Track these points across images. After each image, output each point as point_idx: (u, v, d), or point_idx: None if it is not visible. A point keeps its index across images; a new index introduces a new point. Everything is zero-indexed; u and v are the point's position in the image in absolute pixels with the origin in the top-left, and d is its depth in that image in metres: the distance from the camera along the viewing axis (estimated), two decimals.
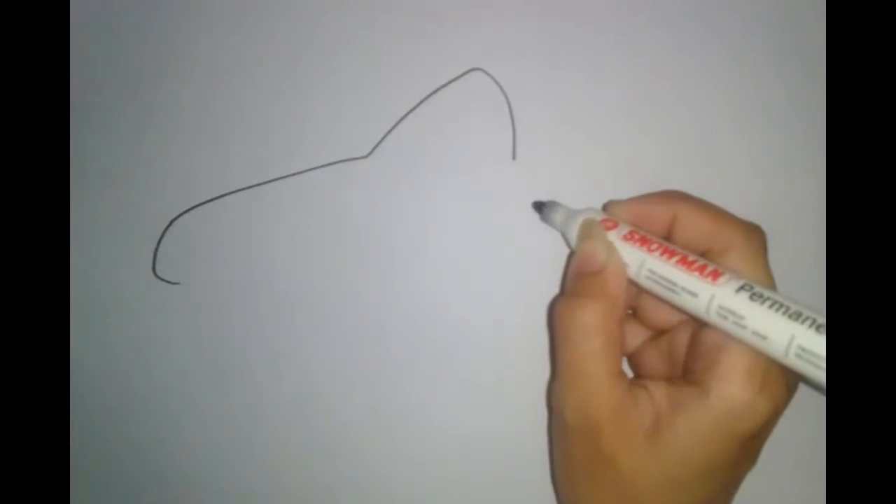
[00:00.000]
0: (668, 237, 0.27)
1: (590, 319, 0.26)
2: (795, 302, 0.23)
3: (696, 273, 0.25)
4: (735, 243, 0.26)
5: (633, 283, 0.27)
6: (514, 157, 0.33)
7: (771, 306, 0.23)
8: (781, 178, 0.33)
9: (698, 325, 0.26)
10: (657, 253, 0.26)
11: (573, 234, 0.29)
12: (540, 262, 0.33)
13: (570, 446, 0.27)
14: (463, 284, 0.33)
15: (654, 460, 0.25)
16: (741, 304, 0.23)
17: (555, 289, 0.33)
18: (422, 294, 0.33)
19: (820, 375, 0.22)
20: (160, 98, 0.35)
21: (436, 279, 0.33)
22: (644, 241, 0.26)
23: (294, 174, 0.34)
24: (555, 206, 0.30)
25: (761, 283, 0.24)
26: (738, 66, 0.33)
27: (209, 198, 0.34)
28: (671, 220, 0.27)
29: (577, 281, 0.27)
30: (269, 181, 0.34)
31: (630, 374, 0.31)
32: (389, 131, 0.34)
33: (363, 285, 0.33)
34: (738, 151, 0.33)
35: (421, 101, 0.34)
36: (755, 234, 0.26)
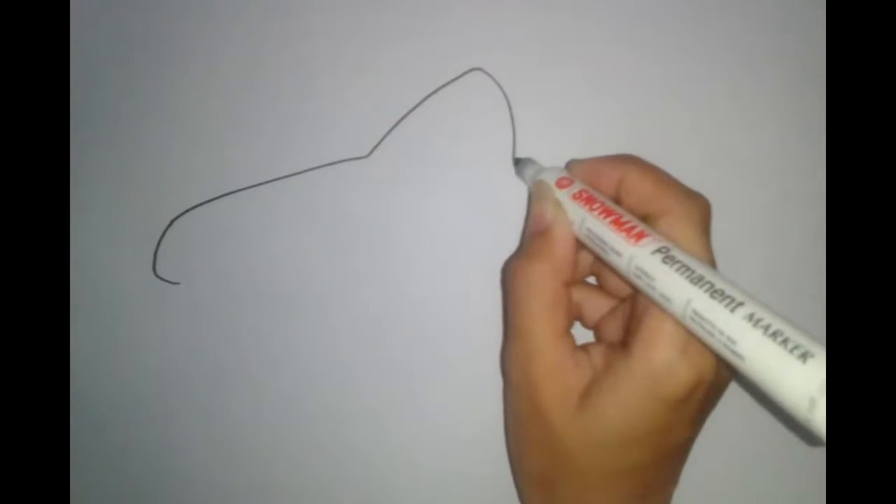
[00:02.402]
0: (617, 199, 0.27)
1: (534, 278, 0.26)
2: (709, 270, 0.23)
3: (623, 233, 0.25)
4: (671, 209, 0.26)
5: (580, 244, 0.27)
6: (514, 157, 0.33)
7: (678, 269, 0.23)
8: (781, 178, 0.33)
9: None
10: (597, 212, 0.26)
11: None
12: None
13: (513, 404, 0.28)
14: (463, 284, 0.33)
15: (583, 420, 0.25)
16: (653, 265, 0.24)
17: None
18: (422, 293, 0.33)
19: (711, 343, 0.22)
20: (160, 98, 0.35)
21: (436, 279, 0.33)
22: (589, 200, 0.27)
23: (294, 174, 0.34)
24: (527, 163, 0.31)
25: (692, 252, 0.24)
26: (739, 66, 0.33)
27: (209, 198, 0.34)
28: (619, 182, 0.27)
29: (527, 241, 0.28)
30: (269, 181, 0.34)
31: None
32: (389, 131, 0.34)
33: (363, 285, 0.33)
34: (739, 151, 0.33)
35: (421, 101, 0.34)
36: (694, 203, 0.26)
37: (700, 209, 0.26)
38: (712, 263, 0.25)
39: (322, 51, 0.34)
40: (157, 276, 0.34)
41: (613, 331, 0.29)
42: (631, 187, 0.27)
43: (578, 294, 0.30)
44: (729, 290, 0.22)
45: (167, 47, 0.35)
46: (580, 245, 0.27)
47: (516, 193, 0.33)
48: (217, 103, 0.35)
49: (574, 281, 0.28)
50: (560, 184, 0.28)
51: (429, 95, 0.34)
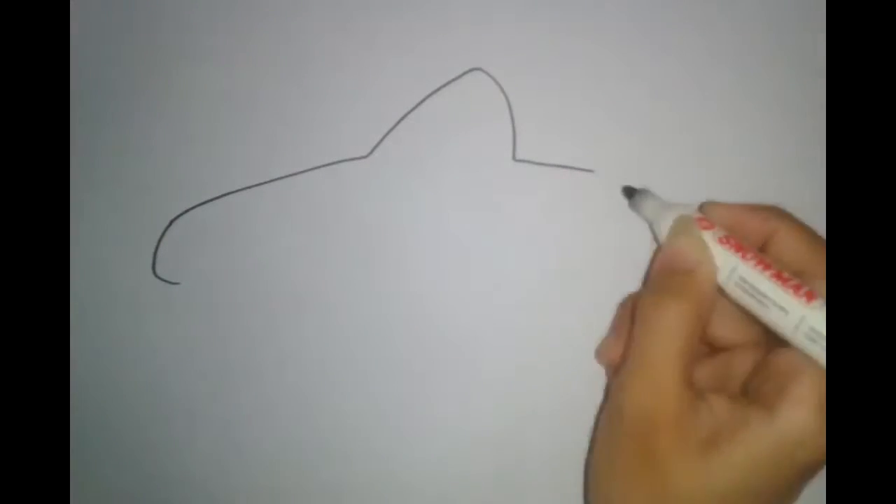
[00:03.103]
0: (763, 251, 0.27)
1: (674, 319, 0.25)
2: None
3: (791, 290, 0.24)
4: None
5: (720, 290, 0.26)
6: (514, 157, 0.33)
7: None
8: (781, 178, 0.33)
9: (769, 346, 0.26)
10: (752, 262, 0.25)
11: (663, 227, 0.28)
12: (540, 263, 0.33)
13: (620, 440, 0.26)
14: (463, 284, 0.33)
15: (705, 472, 0.24)
16: None
17: (554, 288, 0.33)
18: (422, 294, 0.33)
19: None
20: (160, 98, 0.35)
21: (436, 279, 0.33)
22: (740, 248, 0.26)
23: (294, 174, 0.34)
24: (647, 195, 0.30)
25: None
26: (739, 66, 0.33)
27: (209, 198, 0.34)
28: (768, 236, 0.27)
29: (665, 277, 0.27)
30: (269, 181, 0.34)
31: None
32: (389, 131, 0.34)
33: (363, 285, 0.33)
34: (739, 151, 0.33)
35: (421, 101, 0.34)
36: None
37: None
38: None
39: (322, 51, 0.34)
40: (156, 276, 0.34)
41: (709, 380, 0.28)
42: (784, 243, 0.26)
43: None
44: None
45: (167, 47, 0.35)
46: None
47: (516, 194, 0.33)
48: (217, 103, 0.35)
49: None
50: (702, 224, 0.27)
51: (429, 95, 0.34)
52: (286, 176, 0.34)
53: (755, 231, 0.27)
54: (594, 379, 0.32)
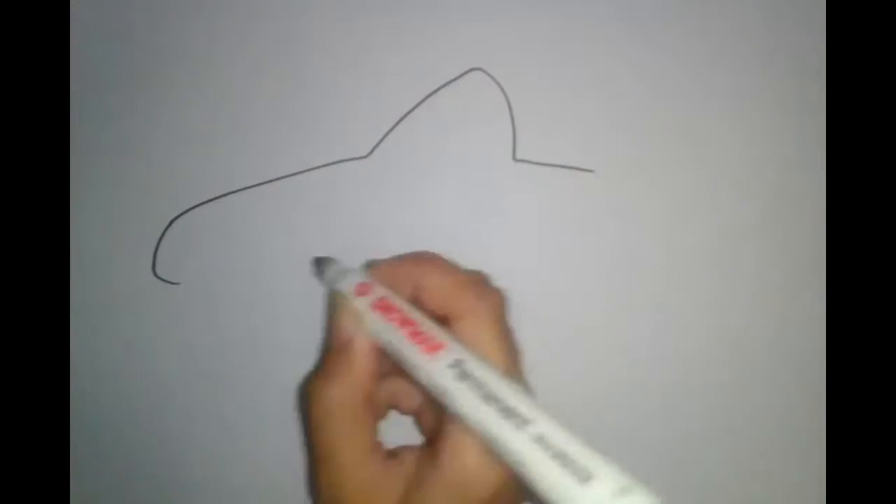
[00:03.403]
0: (417, 302, 0.27)
1: (334, 400, 0.26)
2: (502, 383, 0.23)
3: (419, 346, 0.25)
4: (471, 310, 0.26)
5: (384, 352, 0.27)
6: (514, 157, 0.33)
7: (471, 387, 0.23)
8: (781, 178, 0.33)
9: None
10: (394, 323, 0.26)
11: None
12: (539, 263, 0.33)
13: None
14: None
15: None
16: (448, 381, 0.23)
17: (554, 288, 0.33)
18: None
19: (507, 462, 0.22)
20: (160, 98, 0.35)
21: None
22: (387, 309, 0.26)
23: (294, 174, 0.34)
24: (328, 263, 0.30)
25: (488, 351, 0.24)
26: (739, 65, 0.33)
27: (209, 198, 0.34)
28: (417, 285, 0.27)
29: (325, 358, 0.27)
30: (269, 181, 0.34)
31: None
32: (389, 131, 0.34)
33: None
34: (739, 151, 0.33)
35: (421, 101, 0.34)
36: (489, 302, 0.26)
37: (496, 307, 0.26)
38: (514, 357, 0.26)
39: (322, 51, 0.34)
40: (156, 276, 0.34)
41: (431, 420, 0.29)
42: (430, 290, 0.26)
43: (393, 385, 0.29)
44: (519, 408, 0.22)
45: (168, 47, 0.35)
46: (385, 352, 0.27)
47: (516, 194, 0.33)
48: (217, 103, 0.35)
49: (383, 376, 0.28)
50: (360, 290, 0.27)
51: (429, 95, 0.34)
52: (286, 176, 0.34)
53: (406, 283, 0.27)
54: (594, 378, 0.32)
